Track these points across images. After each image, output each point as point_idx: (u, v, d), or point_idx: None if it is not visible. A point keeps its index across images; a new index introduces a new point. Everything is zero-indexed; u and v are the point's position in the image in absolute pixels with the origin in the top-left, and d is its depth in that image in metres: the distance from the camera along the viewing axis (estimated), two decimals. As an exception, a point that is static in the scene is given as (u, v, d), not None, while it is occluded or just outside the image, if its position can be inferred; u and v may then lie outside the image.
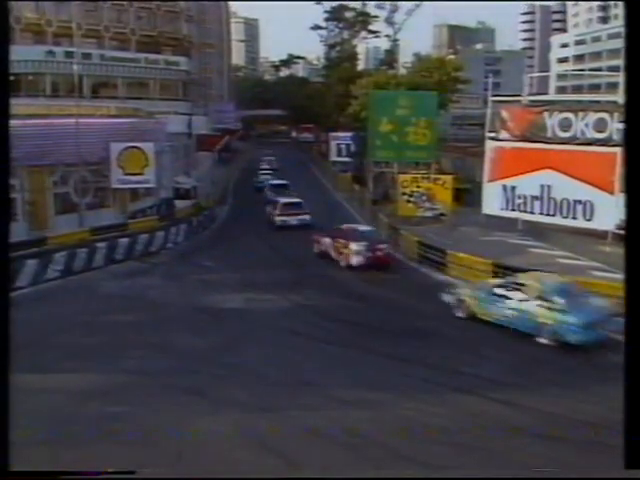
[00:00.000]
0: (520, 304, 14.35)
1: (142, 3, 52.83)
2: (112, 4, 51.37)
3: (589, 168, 24.38)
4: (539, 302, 14.08)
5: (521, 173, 26.54)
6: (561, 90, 75.75)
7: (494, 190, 27.52)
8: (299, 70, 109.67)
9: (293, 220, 29.21)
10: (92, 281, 20.28)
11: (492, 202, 27.60)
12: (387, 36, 66.44)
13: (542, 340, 13.74)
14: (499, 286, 15.25)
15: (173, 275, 21.47)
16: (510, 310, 14.54)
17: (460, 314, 15.66)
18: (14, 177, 22.56)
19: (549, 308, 13.83)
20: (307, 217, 29.37)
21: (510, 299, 14.63)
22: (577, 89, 73.15)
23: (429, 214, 29.77)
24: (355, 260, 21.09)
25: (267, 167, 50.98)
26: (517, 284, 14.81)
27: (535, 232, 25.34)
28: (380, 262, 21.10)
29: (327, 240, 22.79)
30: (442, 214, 29.58)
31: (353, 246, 21.20)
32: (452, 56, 79.13)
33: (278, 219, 29.55)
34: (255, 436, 9.36)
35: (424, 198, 29.92)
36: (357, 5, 68.49)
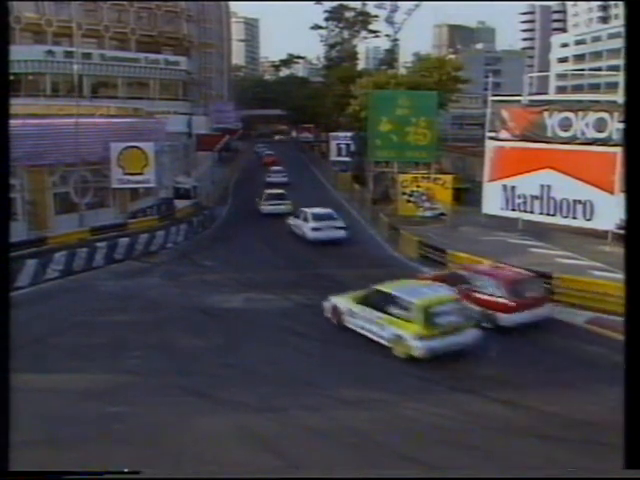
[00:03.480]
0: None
1: (142, 3, 52.85)
2: (112, 4, 51.39)
3: (589, 168, 24.38)
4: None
5: (521, 173, 26.53)
6: (561, 90, 75.70)
7: (494, 190, 27.51)
8: (299, 70, 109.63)
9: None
10: (92, 281, 20.25)
11: (492, 202, 27.59)
12: (387, 36, 66.66)
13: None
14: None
15: (173, 275, 21.44)
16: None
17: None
18: (14, 177, 22.53)
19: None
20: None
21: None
22: (577, 89, 73.08)
23: (429, 214, 29.76)
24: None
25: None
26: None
27: (535, 232, 25.32)
28: None
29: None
30: (442, 214, 29.56)
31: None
32: (452, 56, 79.20)
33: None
34: (255, 436, 9.36)
35: (424, 198, 29.92)
36: (357, 5, 68.71)
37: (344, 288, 19.21)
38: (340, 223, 26.12)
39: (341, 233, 25.61)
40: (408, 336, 12.78)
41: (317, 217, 26.09)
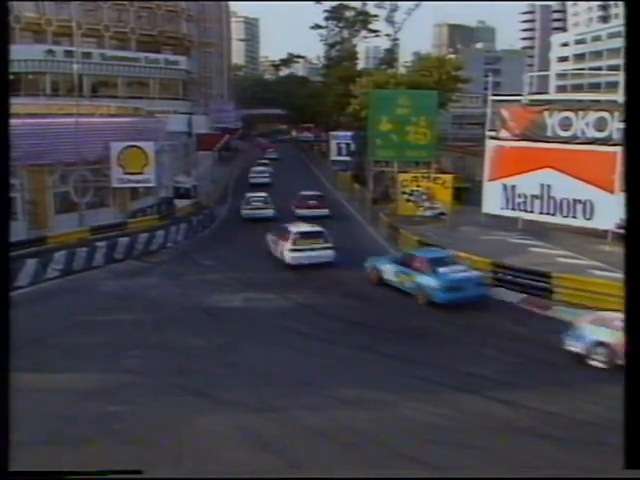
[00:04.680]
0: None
1: (142, 2, 52.88)
2: (112, 4, 51.42)
3: (589, 167, 24.37)
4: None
5: (521, 172, 26.52)
6: (561, 89, 75.64)
7: (494, 189, 27.51)
8: (299, 69, 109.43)
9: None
10: (92, 280, 20.25)
11: (492, 201, 27.58)
12: (387, 35, 66.47)
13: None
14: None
15: (173, 274, 21.45)
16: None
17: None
18: (14, 176, 22.52)
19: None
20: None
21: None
22: (577, 88, 73.06)
23: (429, 213, 29.73)
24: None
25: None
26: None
27: (535, 231, 25.33)
28: None
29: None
30: (442, 213, 29.53)
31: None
32: (452, 55, 79.20)
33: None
34: (255, 436, 9.36)
35: (424, 197, 29.89)
36: (357, 4, 68.54)
37: (342, 288, 19.30)
38: (268, 173, 46.84)
39: (268, 179, 44.87)
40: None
41: (256, 172, 46.94)
